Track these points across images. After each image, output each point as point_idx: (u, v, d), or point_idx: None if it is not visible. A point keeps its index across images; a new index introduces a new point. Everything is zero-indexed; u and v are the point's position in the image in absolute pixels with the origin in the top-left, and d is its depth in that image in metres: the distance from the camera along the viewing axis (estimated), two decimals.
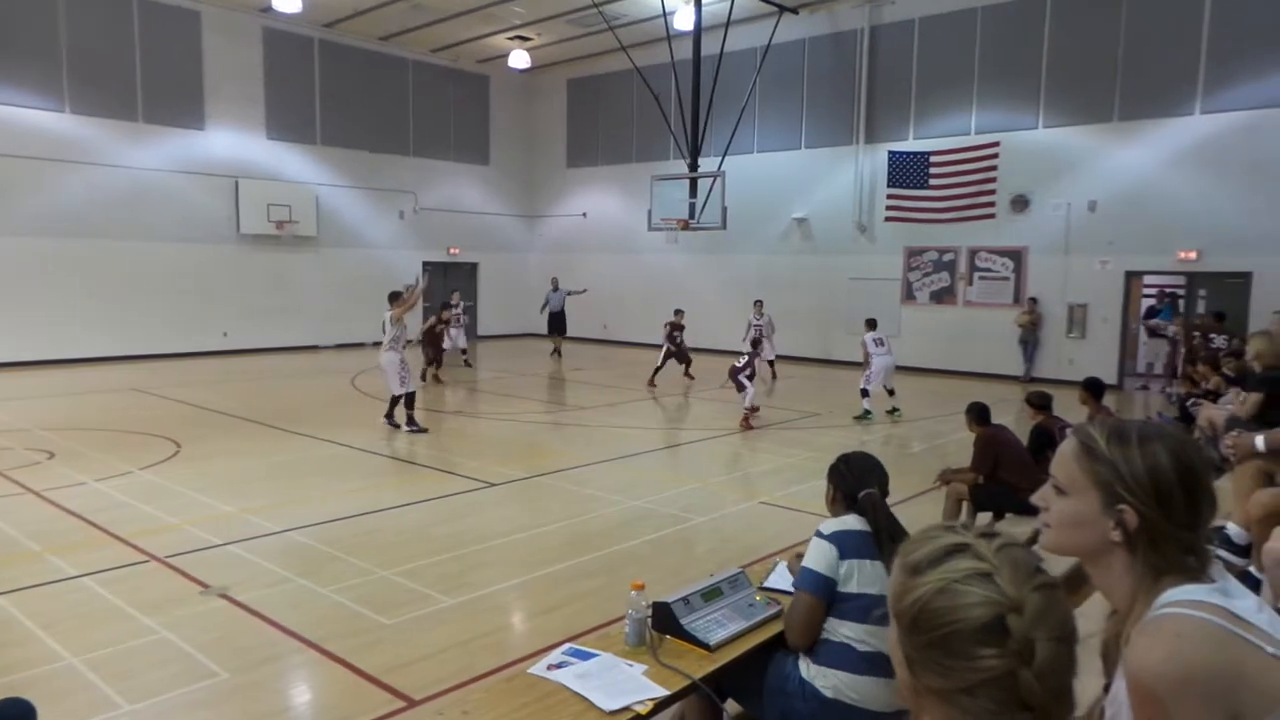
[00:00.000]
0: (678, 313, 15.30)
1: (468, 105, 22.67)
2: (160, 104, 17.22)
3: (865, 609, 2.69)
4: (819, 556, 2.77)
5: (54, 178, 15.98)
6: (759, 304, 15.90)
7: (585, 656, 2.60)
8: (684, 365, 15.00)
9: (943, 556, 1.00)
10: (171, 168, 17.44)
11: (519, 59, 20.58)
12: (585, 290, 19.51)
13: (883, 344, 11.97)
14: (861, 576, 2.73)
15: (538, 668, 2.53)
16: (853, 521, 2.84)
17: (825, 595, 2.74)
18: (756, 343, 12.55)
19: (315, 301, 19.71)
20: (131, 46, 16.80)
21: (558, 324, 19.24)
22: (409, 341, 10.74)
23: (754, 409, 11.20)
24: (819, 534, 2.82)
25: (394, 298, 10.52)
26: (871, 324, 12.29)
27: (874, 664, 2.68)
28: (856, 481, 2.93)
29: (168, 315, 17.47)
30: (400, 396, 10.09)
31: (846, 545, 2.77)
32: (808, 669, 2.75)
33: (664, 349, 14.94)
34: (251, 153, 18.62)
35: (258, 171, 18.66)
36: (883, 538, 2.76)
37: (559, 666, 2.53)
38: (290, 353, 18.85)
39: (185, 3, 17.41)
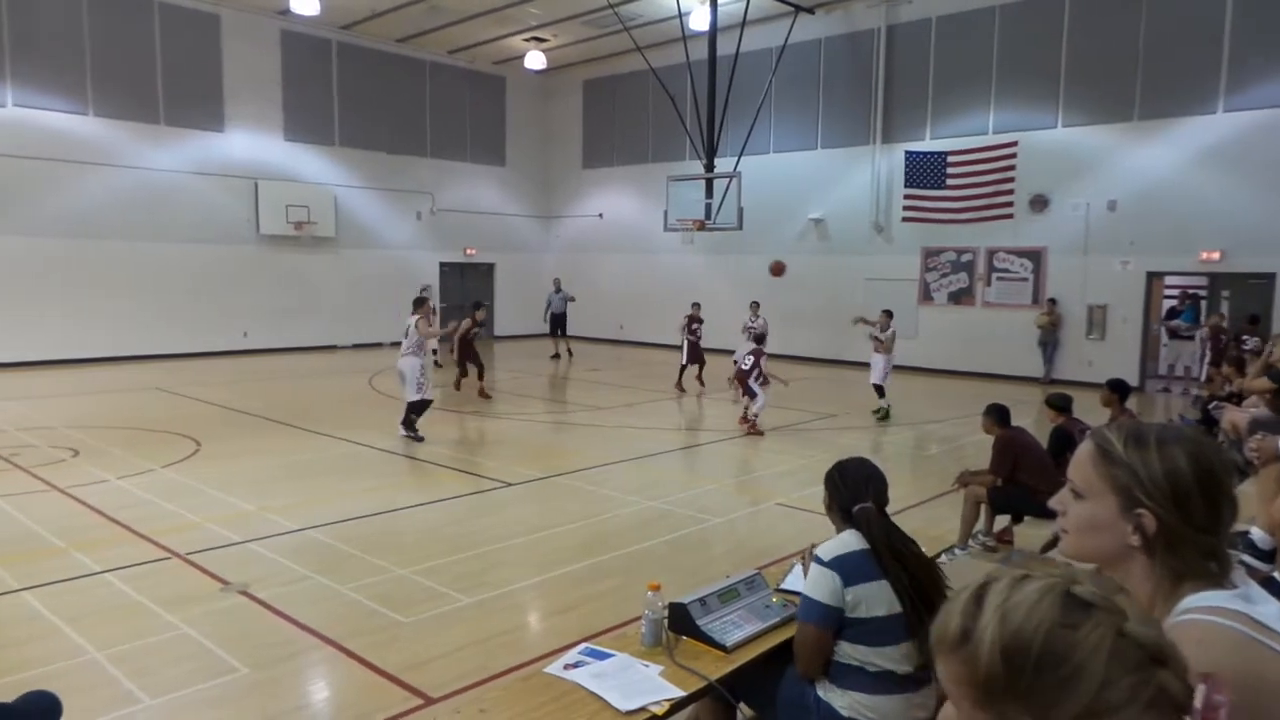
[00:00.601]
0: (695, 305, 15.14)
1: (484, 106, 22.76)
2: (181, 106, 17.41)
3: (875, 632, 2.65)
4: (821, 586, 2.67)
5: (78, 179, 16.20)
6: (755, 305, 15.51)
7: (602, 656, 2.61)
8: (698, 367, 14.71)
9: (1039, 606, 0.92)
10: (192, 169, 17.63)
11: (535, 60, 20.64)
12: (574, 298, 19.57)
13: None
14: (869, 600, 2.66)
15: (554, 667, 2.55)
16: (851, 540, 2.74)
17: (832, 625, 2.67)
18: (761, 338, 11.87)
19: (333, 301, 19.85)
20: (152, 50, 17.00)
21: (560, 325, 19.30)
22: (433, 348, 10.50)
23: (755, 416, 10.67)
24: (819, 560, 2.72)
25: (419, 304, 10.27)
26: (891, 314, 12.16)
27: (887, 683, 2.65)
28: (851, 494, 2.83)
29: (188, 315, 17.66)
30: (417, 403, 9.79)
31: (850, 571, 2.67)
32: (824, 689, 2.73)
33: (683, 344, 14.67)
34: (270, 154, 18.79)
35: (276, 173, 18.82)
36: (881, 552, 2.69)
37: (575, 666, 2.54)
38: (309, 352, 18.99)
39: (205, 7, 17.60)
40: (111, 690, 3.94)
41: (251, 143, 18.48)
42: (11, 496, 7.15)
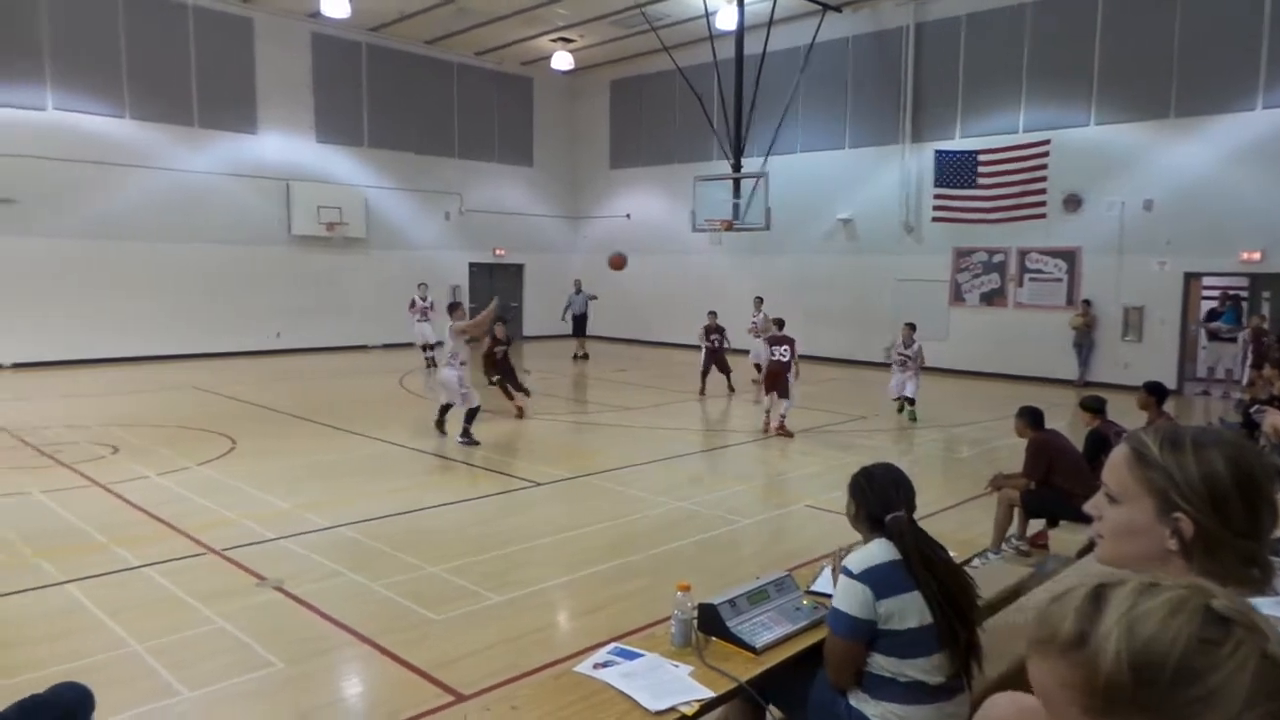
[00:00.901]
0: (711, 315, 14.86)
1: (512, 107, 22.89)
2: (214, 109, 17.72)
3: (908, 644, 2.62)
4: (851, 600, 2.63)
5: (115, 181, 16.54)
6: (759, 300, 15.38)
7: (631, 656, 2.62)
8: (725, 375, 14.45)
9: (1172, 622, 0.86)
10: (225, 171, 17.94)
11: (562, 61, 20.72)
12: (595, 297, 19.61)
13: None
14: (902, 612, 2.62)
15: (584, 666, 2.56)
16: (880, 552, 2.69)
17: (863, 638, 2.64)
18: (781, 323, 11.63)
19: (364, 302, 20.07)
20: (187, 54, 17.32)
21: (580, 326, 19.33)
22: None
23: (783, 416, 10.52)
24: (848, 572, 2.67)
25: (453, 308, 10.08)
26: (914, 327, 12.08)
27: (919, 693, 2.63)
28: (881, 502, 2.77)
29: (223, 315, 17.95)
30: (469, 411, 9.66)
31: (881, 583, 2.62)
32: (857, 698, 2.72)
33: (703, 353, 14.53)
34: (302, 156, 19.05)
35: (308, 174, 19.08)
36: (914, 562, 2.65)
37: (605, 665, 2.56)
38: (340, 352, 19.23)
39: (238, 10, 17.89)
40: (151, 682, 4.03)
41: (283, 144, 18.75)
42: (55, 492, 7.33)
